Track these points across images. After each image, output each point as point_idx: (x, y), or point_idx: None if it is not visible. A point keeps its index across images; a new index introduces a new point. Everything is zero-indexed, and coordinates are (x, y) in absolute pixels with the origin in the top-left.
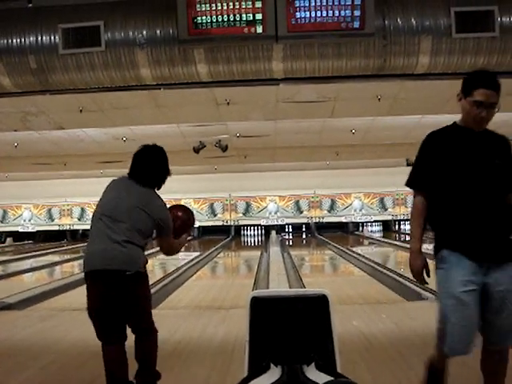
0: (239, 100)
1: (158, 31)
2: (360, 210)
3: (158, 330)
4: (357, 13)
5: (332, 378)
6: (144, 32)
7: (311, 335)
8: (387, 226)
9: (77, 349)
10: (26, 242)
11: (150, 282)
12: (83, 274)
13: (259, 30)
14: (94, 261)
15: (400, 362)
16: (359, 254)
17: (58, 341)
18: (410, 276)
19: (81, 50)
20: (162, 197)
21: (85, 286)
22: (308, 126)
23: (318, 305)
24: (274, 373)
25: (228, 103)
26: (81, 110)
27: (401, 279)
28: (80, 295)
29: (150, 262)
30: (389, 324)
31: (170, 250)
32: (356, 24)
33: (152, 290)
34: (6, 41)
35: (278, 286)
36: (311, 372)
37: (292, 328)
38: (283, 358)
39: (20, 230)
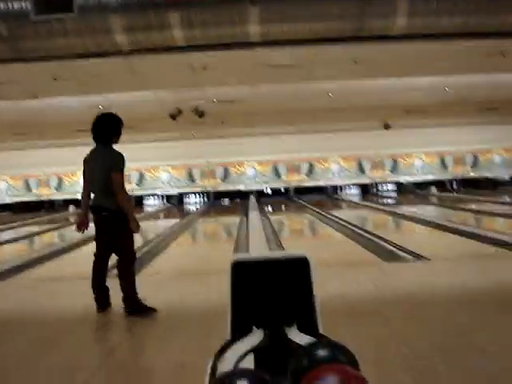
0: (215, 65)
1: None
2: (338, 174)
3: None
4: None
5: (314, 339)
6: None
7: (293, 298)
8: (365, 189)
9: (63, 317)
10: (3, 213)
11: None
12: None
13: None
14: None
15: (379, 321)
16: (337, 218)
17: (42, 311)
18: (389, 238)
19: (53, 17)
20: (139, 164)
21: (65, 256)
22: (284, 90)
23: (299, 267)
24: (257, 335)
25: (204, 68)
26: (55, 79)
27: (379, 241)
28: (60, 266)
29: None
30: (367, 285)
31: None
32: None
33: None
34: None
35: (259, 251)
36: (293, 333)
37: (273, 291)
38: (265, 321)
39: None
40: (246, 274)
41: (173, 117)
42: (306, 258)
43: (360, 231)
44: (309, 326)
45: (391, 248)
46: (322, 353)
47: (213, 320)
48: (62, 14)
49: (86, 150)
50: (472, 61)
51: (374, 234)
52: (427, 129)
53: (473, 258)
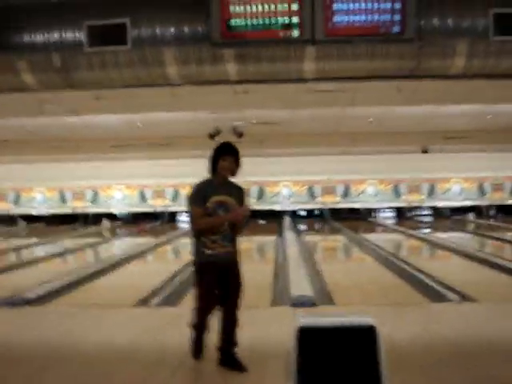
0: (257, 89)
1: (186, 29)
2: (374, 197)
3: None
4: (397, 17)
5: None
6: (171, 30)
7: (358, 365)
8: (401, 213)
9: (101, 349)
10: (38, 224)
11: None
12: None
13: (295, 33)
14: None
15: (427, 371)
16: (374, 244)
17: (86, 342)
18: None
19: (106, 49)
20: (176, 181)
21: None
22: (325, 114)
23: (366, 335)
24: None
25: (246, 92)
26: (97, 98)
27: (419, 275)
28: (98, 290)
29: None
30: (415, 329)
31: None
32: (396, 29)
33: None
34: (29, 37)
35: (298, 277)
36: None
37: (338, 357)
38: None
39: (33, 212)
40: (310, 340)
41: (212, 136)
42: (372, 326)
43: (398, 261)
44: None
45: (433, 284)
46: None
47: (263, 361)
48: (116, 46)
49: (122, 165)
50: None
51: (412, 265)
52: (466, 154)
53: None
